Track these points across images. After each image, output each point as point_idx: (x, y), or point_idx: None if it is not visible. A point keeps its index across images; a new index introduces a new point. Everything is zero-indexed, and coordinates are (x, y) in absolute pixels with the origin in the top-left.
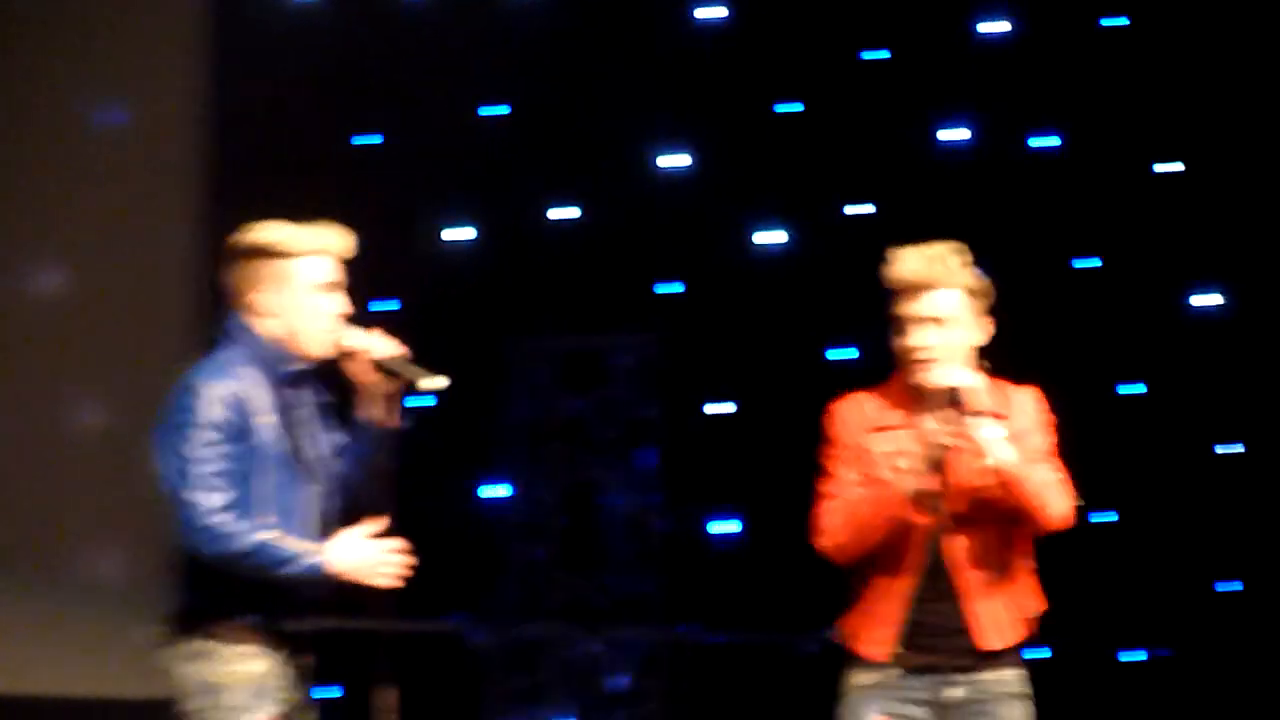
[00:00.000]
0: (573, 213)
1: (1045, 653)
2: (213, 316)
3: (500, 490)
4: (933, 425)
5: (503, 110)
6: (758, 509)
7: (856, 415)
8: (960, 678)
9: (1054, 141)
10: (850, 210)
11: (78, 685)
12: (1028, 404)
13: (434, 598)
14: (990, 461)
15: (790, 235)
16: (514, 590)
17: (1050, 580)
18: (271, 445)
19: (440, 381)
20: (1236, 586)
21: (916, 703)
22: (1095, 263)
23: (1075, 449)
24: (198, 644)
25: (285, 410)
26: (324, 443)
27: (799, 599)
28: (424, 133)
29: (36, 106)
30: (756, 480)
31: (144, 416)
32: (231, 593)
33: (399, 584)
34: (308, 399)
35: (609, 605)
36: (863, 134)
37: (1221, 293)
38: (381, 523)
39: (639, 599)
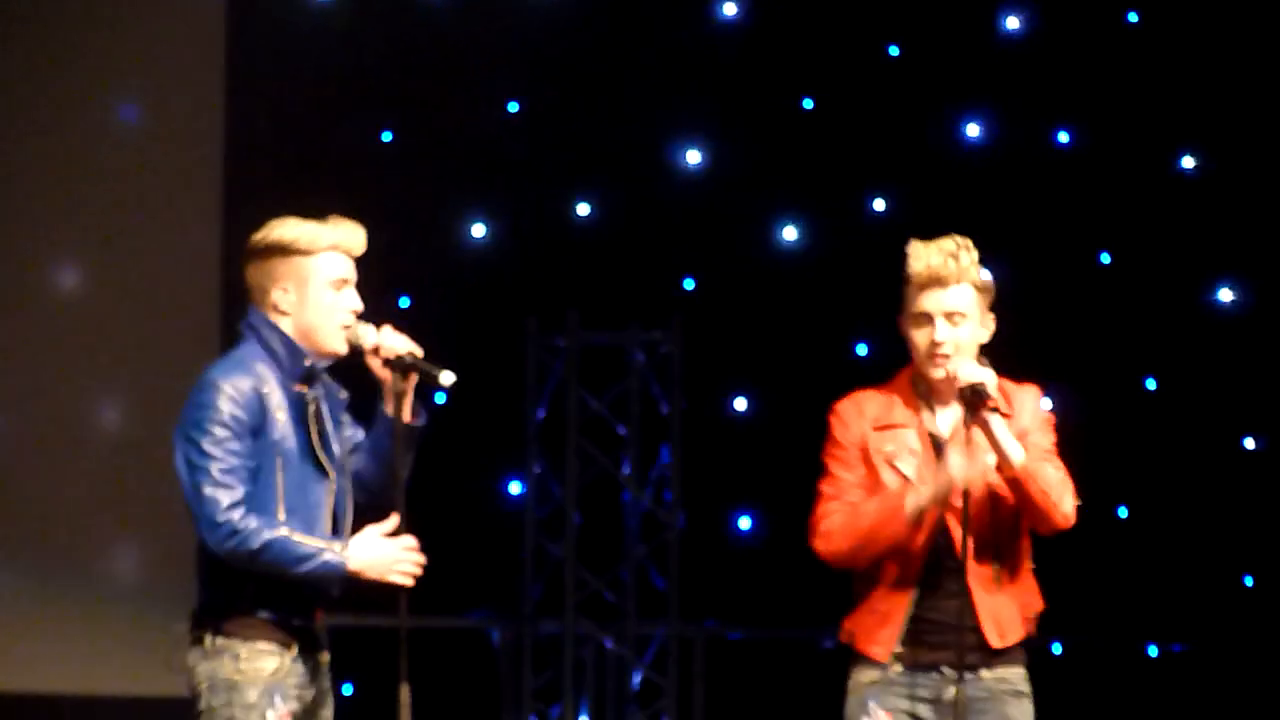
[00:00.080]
0: (591, 209)
1: (1056, 648)
2: (231, 314)
3: (518, 487)
4: (957, 459)
5: (521, 107)
6: (776, 505)
7: (859, 414)
8: (964, 675)
9: (1073, 138)
10: (870, 206)
11: (97, 683)
12: (1029, 402)
13: (452, 594)
14: (1013, 460)
15: (810, 231)
16: (532, 587)
17: (1076, 575)
18: (288, 441)
19: (447, 377)
20: (1249, 582)
21: (920, 700)
22: (1112, 259)
23: (1097, 444)
24: (215, 641)
25: (302, 406)
26: (341, 439)
27: (817, 595)
28: (442, 130)
29: (55, 105)
30: (775, 477)
31: (162, 414)
32: (248, 590)
33: (415, 581)
34: (325, 395)
35: (627, 602)
36: (882, 130)
37: (1240, 288)
38: (399, 520)
39: (657, 595)
